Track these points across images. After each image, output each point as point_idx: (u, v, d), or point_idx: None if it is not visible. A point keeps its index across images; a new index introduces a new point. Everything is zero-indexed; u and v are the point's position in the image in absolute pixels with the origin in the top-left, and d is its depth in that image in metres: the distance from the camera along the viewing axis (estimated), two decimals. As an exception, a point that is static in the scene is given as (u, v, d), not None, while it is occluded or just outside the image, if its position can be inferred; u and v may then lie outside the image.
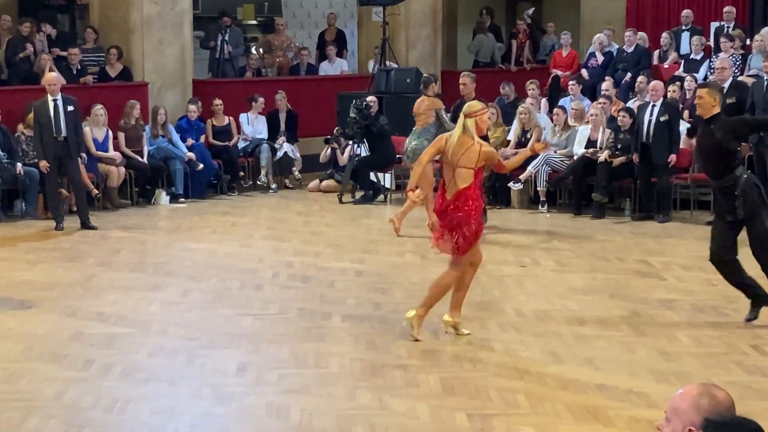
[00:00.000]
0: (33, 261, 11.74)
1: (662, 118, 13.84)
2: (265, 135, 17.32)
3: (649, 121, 13.93)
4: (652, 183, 14.05)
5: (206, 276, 11.05)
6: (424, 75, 13.80)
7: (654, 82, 14.59)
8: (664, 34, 18.96)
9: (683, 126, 14.38)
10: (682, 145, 14.14)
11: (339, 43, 20.33)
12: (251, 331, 8.96)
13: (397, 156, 16.39)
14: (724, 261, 8.99)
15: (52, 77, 13.93)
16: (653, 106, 13.98)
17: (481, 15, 22.33)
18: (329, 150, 16.96)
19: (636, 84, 16.19)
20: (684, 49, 18.36)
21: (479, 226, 8.59)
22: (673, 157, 13.86)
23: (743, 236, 9.04)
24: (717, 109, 8.83)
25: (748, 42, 17.15)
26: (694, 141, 14.06)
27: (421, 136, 13.45)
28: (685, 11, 19.23)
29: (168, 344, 8.58)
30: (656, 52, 18.70)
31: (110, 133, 15.51)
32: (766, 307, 9.06)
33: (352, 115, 15.86)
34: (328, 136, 16.84)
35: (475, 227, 8.49)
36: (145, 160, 15.74)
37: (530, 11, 22.46)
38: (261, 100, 17.28)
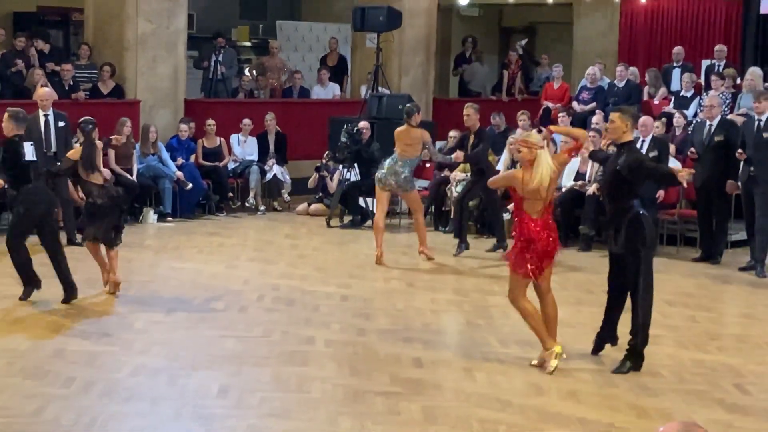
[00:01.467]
0: (17, 276, 11.69)
1: (651, 154, 13.87)
2: (255, 156, 17.34)
3: (638, 157, 13.96)
4: (640, 217, 14.06)
5: (191, 296, 11.03)
6: (408, 104, 13.78)
7: (644, 118, 14.61)
8: (648, 72, 19.06)
9: (672, 162, 14.42)
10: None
11: (340, 68, 20.39)
12: (234, 352, 8.94)
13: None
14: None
15: (44, 92, 13.94)
16: (643, 141, 14.02)
17: (463, 44, 22.45)
18: (318, 177, 16.98)
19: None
20: (675, 85, 18.44)
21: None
22: (661, 193, 13.89)
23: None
24: (629, 136, 8.67)
25: (738, 81, 17.24)
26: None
27: (410, 166, 13.36)
28: (676, 48, 19.34)
29: (150, 363, 8.55)
30: (646, 88, 18.78)
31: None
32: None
33: (343, 139, 15.90)
34: (318, 165, 16.87)
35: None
36: (134, 178, 15.74)
37: (522, 42, 22.56)
38: (248, 121, 17.30)
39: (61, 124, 13.71)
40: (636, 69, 19.18)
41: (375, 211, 13.62)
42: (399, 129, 13.41)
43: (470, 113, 13.87)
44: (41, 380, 7.96)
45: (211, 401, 7.64)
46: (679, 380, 8.50)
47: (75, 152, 11.09)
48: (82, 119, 11.47)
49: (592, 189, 14.27)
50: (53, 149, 13.61)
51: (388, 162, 13.22)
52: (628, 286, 8.75)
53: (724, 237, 13.90)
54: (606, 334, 9.02)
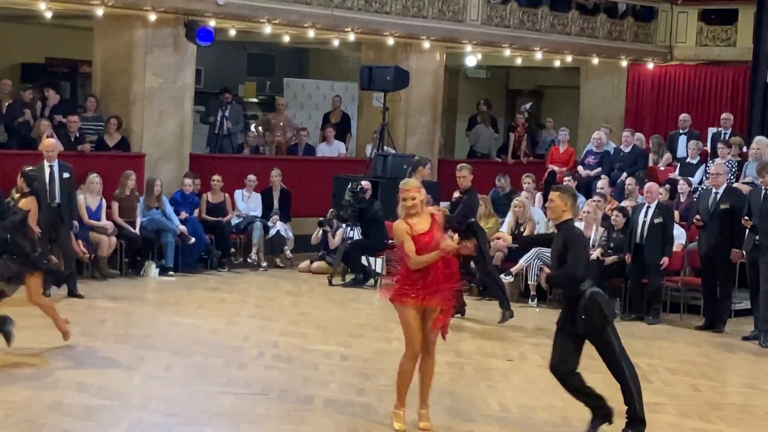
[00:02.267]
0: (17, 326, 11.60)
1: (656, 220, 13.86)
2: (259, 213, 17.32)
3: (644, 223, 13.94)
4: (643, 284, 14.02)
5: (190, 351, 10.96)
6: (415, 157, 13.70)
7: (649, 184, 14.63)
8: (652, 139, 19.09)
9: (677, 229, 14.40)
10: (675, 248, 14.15)
11: (344, 126, 20.44)
12: (232, 410, 8.85)
13: (389, 241, 16.39)
14: (562, 372, 8.54)
15: (50, 143, 13.96)
16: (648, 207, 14.01)
17: (478, 106, 22.51)
18: (321, 232, 16.95)
19: (625, 186, 16.22)
20: (681, 152, 18.47)
21: None
22: (665, 260, 13.84)
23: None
24: (568, 215, 8.57)
25: (744, 149, 17.25)
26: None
27: None
28: (683, 115, 19.39)
29: (148, 419, 8.47)
30: (651, 154, 18.79)
31: (104, 202, 15.51)
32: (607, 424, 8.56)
33: (347, 197, 15.89)
34: (322, 219, 16.85)
35: None
36: (137, 231, 15.71)
37: (528, 105, 22.64)
38: (252, 177, 17.31)
39: (66, 175, 13.71)
40: (642, 135, 19.22)
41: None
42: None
43: (465, 174, 13.81)
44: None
45: (207, 459, 7.55)
46: (681, 450, 8.40)
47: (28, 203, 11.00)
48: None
49: (596, 254, 14.22)
50: (57, 200, 13.60)
51: None
52: (607, 366, 8.56)
53: (729, 305, 13.82)
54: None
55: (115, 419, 8.35)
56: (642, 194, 15.39)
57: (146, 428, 8.23)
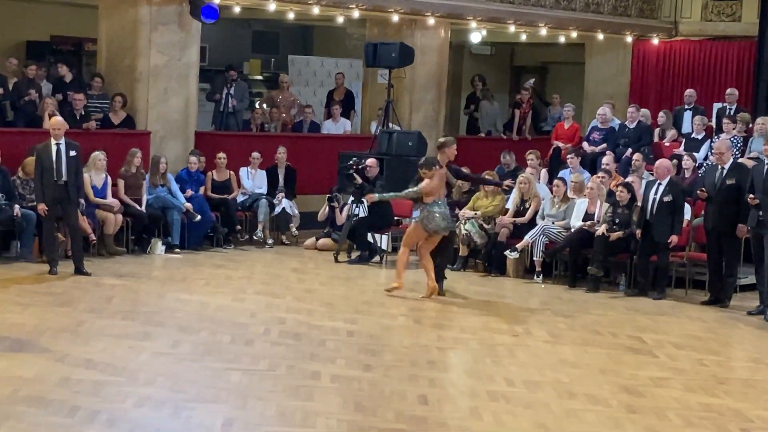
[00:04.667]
0: (24, 304, 11.70)
1: (666, 198, 13.83)
2: (264, 190, 17.34)
3: (654, 200, 13.93)
4: (650, 260, 14.03)
5: (197, 328, 11.00)
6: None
7: (659, 161, 14.61)
8: (661, 113, 19.08)
9: (687, 207, 14.39)
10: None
11: (347, 103, 20.43)
12: (239, 386, 8.90)
13: (395, 218, 16.43)
14: None
15: (57, 121, 13.97)
16: (659, 184, 13.99)
17: (472, 83, 22.49)
18: (327, 208, 16.98)
19: (632, 161, 16.22)
20: (686, 128, 18.45)
21: None
22: (674, 238, 13.82)
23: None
24: None
25: (750, 125, 17.23)
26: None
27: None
28: (688, 90, 19.36)
29: (155, 395, 8.52)
30: (657, 130, 18.79)
31: (109, 179, 15.53)
32: None
33: (348, 169, 15.90)
34: (330, 195, 16.88)
35: None
36: (143, 208, 15.75)
37: (531, 81, 22.60)
38: (257, 154, 17.32)
39: (73, 153, 13.72)
40: (647, 111, 19.19)
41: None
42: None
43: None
44: (46, 409, 7.92)
45: (215, 434, 7.60)
46: (686, 424, 8.44)
47: None
48: None
49: (601, 230, 14.24)
50: (64, 178, 13.62)
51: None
52: None
53: (734, 281, 13.84)
54: None
55: (123, 395, 8.39)
56: (648, 170, 15.41)
57: (154, 404, 8.28)
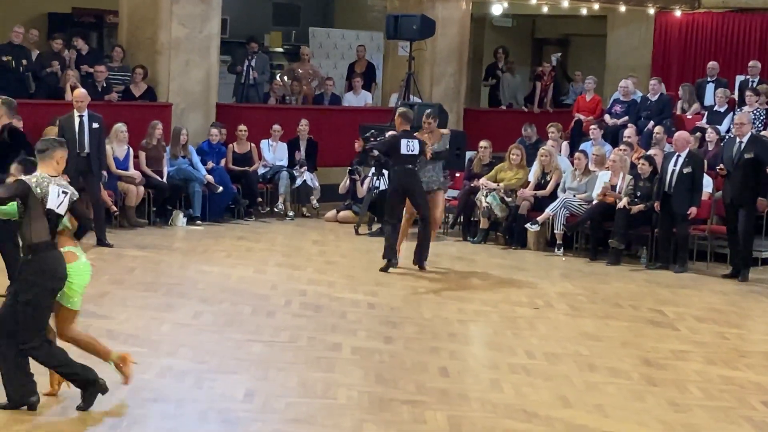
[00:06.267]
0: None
1: (686, 170, 13.78)
2: (285, 162, 17.36)
3: (673, 171, 13.87)
4: (671, 233, 13.99)
5: (219, 299, 11.05)
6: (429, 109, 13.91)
7: (678, 133, 14.54)
8: (682, 87, 18.98)
9: (705, 179, 14.33)
10: (702, 197, 14.10)
11: (368, 76, 20.39)
12: (261, 357, 8.94)
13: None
14: None
15: (80, 93, 14.00)
16: (678, 156, 13.93)
17: (495, 55, 22.40)
18: (348, 180, 16.98)
19: (654, 134, 16.14)
20: (708, 100, 18.36)
21: None
22: (693, 210, 13.78)
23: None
24: None
25: (772, 97, 17.13)
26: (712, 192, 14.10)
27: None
28: (711, 63, 19.24)
29: (177, 366, 8.56)
30: (679, 102, 18.70)
31: (131, 151, 15.58)
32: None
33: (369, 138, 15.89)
34: (351, 168, 16.88)
35: None
36: (164, 180, 15.79)
37: (558, 55, 22.51)
38: (278, 127, 17.33)
39: (95, 125, 13.77)
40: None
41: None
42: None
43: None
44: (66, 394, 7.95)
45: (236, 405, 7.64)
46: (707, 396, 8.44)
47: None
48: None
49: (622, 203, 14.21)
50: (86, 150, 13.67)
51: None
52: None
53: (750, 252, 13.78)
54: None
55: (145, 366, 8.43)
56: (670, 143, 15.34)
57: (176, 375, 8.32)
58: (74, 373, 7.42)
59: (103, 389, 7.44)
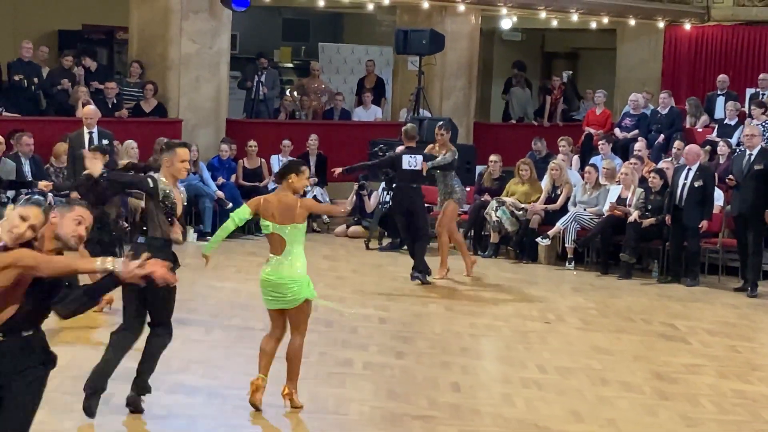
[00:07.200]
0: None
1: (696, 183, 13.75)
2: (295, 178, 17.33)
3: (683, 185, 13.84)
4: (682, 246, 13.96)
5: (229, 315, 11.04)
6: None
7: (688, 147, 14.52)
8: (688, 101, 18.96)
9: (716, 192, 14.30)
10: (713, 210, 14.07)
11: (378, 91, 20.42)
12: (272, 372, 8.88)
13: (426, 205, 16.38)
14: None
15: (90, 110, 14.04)
16: (689, 169, 13.91)
17: (513, 69, 22.41)
18: (354, 196, 16.99)
19: (673, 148, 16.04)
20: (718, 113, 18.34)
21: None
22: (704, 223, 13.73)
23: None
24: None
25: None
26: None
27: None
28: (721, 76, 19.23)
29: (188, 381, 8.56)
30: (688, 117, 18.68)
31: (142, 167, 15.57)
32: None
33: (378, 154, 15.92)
34: (359, 182, 16.89)
35: None
36: (174, 196, 15.79)
37: (569, 73, 22.53)
38: (287, 142, 17.34)
39: (105, 142, 13.79)
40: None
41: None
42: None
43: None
44: (79, 396, 7.93)
45: (248, 421, 7.63)
46: (719, 410, 8.41)
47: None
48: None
49: (633, 216, 14.19)
50: (96, 166, 13.67)
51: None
52: None
53: (759, 264, 13.72)
54: None
55: (157, 382, 8.41)
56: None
57: (187, 391, 8.32)
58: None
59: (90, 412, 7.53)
